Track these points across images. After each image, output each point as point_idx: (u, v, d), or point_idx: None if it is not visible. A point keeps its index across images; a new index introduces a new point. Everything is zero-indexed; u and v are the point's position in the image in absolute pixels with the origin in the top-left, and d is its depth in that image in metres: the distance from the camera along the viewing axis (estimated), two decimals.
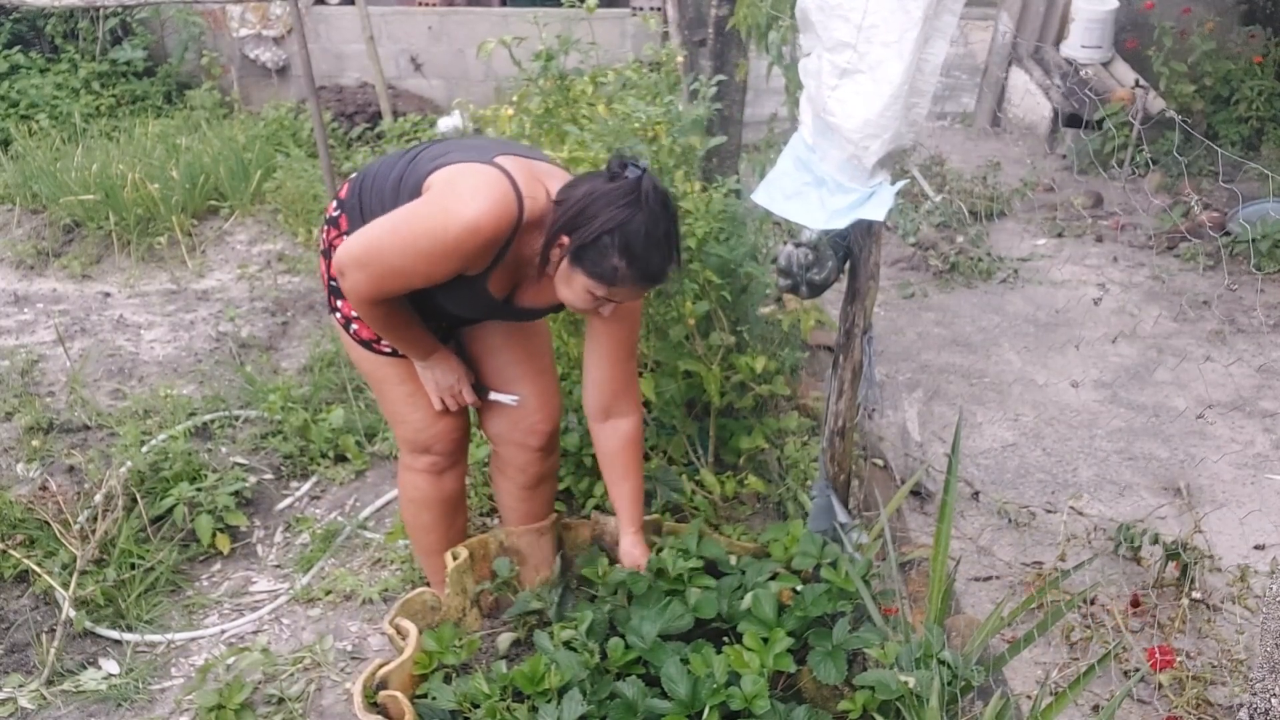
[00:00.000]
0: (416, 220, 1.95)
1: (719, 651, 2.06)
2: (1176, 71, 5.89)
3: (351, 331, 2.23)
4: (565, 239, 1.94)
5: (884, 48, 1.87)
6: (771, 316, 3.29)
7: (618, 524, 2.41)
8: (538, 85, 3.02)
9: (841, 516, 2.51)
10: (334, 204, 2.20)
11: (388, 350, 2.23)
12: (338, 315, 2.24)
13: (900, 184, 2.05)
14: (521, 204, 1.95)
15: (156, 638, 2.72)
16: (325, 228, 2.22)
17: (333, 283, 2.20)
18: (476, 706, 1.97)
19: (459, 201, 1.92)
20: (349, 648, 2.70)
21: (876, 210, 2.01)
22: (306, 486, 3.32)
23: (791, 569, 2.36)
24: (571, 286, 2.00)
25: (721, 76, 3.27)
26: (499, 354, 2.39)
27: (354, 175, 2.21)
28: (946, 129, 6.52)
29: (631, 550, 2.39)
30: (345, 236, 2.13)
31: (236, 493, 3.11)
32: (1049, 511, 3.16)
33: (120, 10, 6.24)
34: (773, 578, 2.32)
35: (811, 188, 2.09)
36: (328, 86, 6.39)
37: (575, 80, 3.02)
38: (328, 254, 2.20)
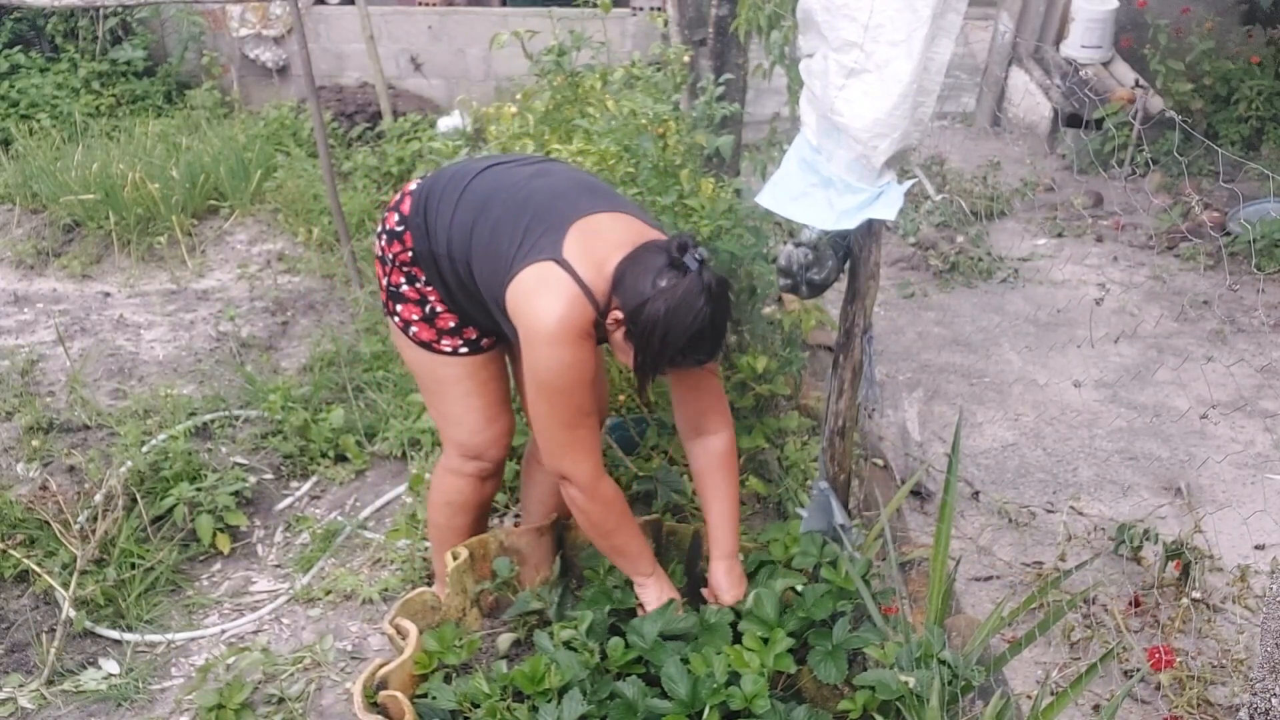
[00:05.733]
0: (541, 378, 2.02)
1: (719, 651, 2.06)
2: (1173, 70, 5.88)
3: (411, 334, 2.27)
4: (634, 350, 2.01)
5: (891, 47, 1.86)
6: (772, 316, 3.29)
7: (708, 549, 2.27)
8: (549, 80, 3.02)
9: (840, 517, 2.51)
10: (395, 216, 2.21)
11: (446, 350, 2.26)
12: (395, 319, 2.29)
13: (910, 184, 2.04)
14: (595, 302, 2.00)
15: (156, 638, 2.72)
16: (386, 237, 2.23)
17: (390, 288, 2.25)
18: (476, 706, 1.97)
19: (546, 334, 1.98)
20: (349, 648, 2.70)
21: (887, 209, 2.00)
22: (306, 486, 3.32)
23: (791, 569, 2.36)
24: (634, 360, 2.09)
25: (729, 75, 3.26)
26: None
27: (414, 189, 2.22)
28: (946, 129, 6.51)
29: (721, 580, 2.24)
30: (410, 252, 2.18)
31: (236, 493, 3.11)
32: (1049, 511, 3.16)
33: (120, 10, 6.24)
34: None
35: (819, 189, 2.08)
36: (328, 86, 6.39)
37: (584, 77, 3.03)
38: (384, 260, 2.24)
